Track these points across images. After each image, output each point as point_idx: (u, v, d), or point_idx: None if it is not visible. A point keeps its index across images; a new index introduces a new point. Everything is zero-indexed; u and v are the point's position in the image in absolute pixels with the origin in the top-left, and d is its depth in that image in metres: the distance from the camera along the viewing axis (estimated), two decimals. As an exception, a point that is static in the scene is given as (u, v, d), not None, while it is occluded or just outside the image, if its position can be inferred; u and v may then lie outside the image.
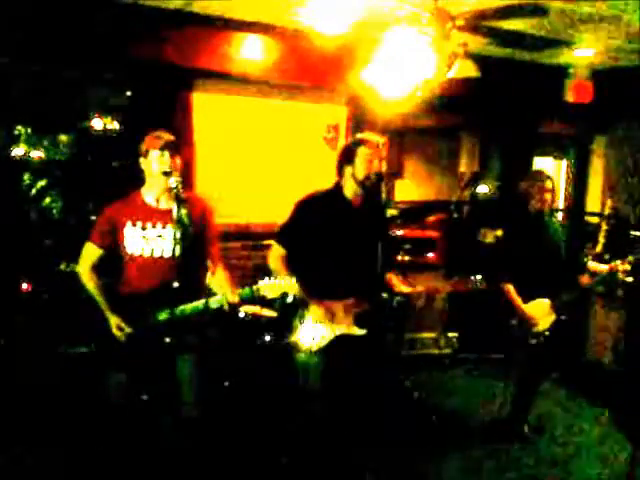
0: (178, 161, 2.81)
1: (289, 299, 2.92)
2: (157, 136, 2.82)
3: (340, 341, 2.95)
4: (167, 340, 2.74)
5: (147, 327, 2.80)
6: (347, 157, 3.01)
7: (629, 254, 3.83)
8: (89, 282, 2.89)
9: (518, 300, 3.65)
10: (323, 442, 3.09)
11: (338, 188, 3.06)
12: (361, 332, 2.96)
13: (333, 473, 3.15)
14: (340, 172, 3.05)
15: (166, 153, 2.78)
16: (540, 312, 3.68)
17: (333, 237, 2.98)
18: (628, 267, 3.78)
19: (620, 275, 4.12)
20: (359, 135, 3.13)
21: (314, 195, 3.08)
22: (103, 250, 2.88)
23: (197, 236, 2.83)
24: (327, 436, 3.08)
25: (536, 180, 3.76)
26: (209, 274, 2.97)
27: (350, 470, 3.20)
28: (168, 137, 2.84)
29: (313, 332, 2.94)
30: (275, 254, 3.04)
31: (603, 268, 3.81)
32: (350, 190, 3.02)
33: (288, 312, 3.05)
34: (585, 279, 3.79)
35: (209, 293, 2.86)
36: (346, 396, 3.05)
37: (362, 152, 2.96)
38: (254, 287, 2.72)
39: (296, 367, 3.01)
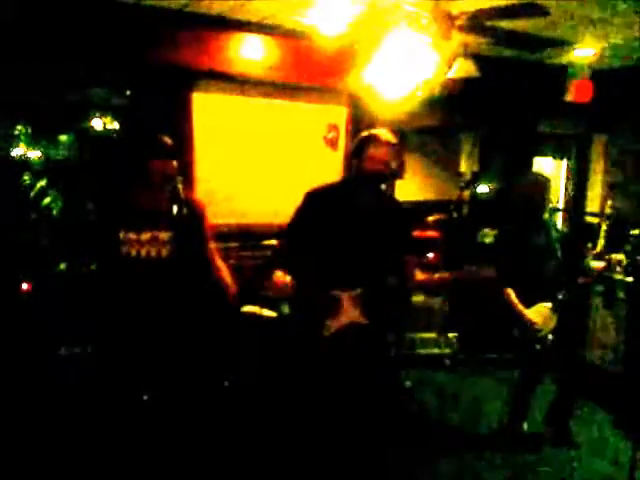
0: (175, 164, 2.84)
1: None
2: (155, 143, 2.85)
3: (349, 329, 2.93)
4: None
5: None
6: (356, 151, 2.96)
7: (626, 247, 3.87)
8: None
9: (519, 305, 3.65)
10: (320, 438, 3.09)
11: (345, 182, 3.04)
12: (366, 322, 2.92)
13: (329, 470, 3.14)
14: (350, 166, 3.02)
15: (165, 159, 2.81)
16: (541, 316, 3.66)
17: (339, 230, 2.94)
18: (623, 257, 3.81)
19: (618, 272, 4.13)
20: (373, 130, 3.01)
21: (323, 187, 3.05)
22: None
23: (195, 236, 2.85)
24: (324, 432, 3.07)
25: (545, 181, 3.79)
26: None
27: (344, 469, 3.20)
28: (166, 143, 2.86)
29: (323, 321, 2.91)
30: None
31: (601, 265, 3.83)
32: (356, 184, 2.99)
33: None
34: (586, 278, 3.80)
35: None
36: (347, 387, 3.02)
37: (370, 148, 2.91)
38: None
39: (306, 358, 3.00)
